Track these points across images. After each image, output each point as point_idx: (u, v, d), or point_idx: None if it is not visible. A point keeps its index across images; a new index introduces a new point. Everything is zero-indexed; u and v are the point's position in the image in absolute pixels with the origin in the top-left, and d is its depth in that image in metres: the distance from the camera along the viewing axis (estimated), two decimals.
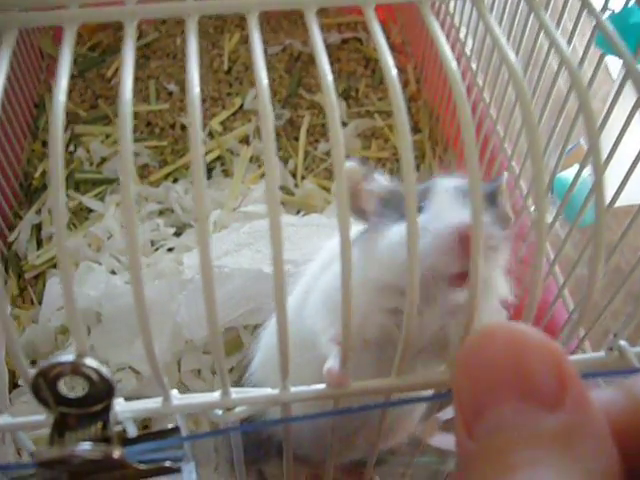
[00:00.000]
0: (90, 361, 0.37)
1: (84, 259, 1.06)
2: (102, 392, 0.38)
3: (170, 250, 1.09)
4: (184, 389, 0.94)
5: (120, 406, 0.43)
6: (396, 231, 0.52)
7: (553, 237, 0.84)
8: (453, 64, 0.40)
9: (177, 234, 1.13)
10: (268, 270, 0.88)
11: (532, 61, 0.84)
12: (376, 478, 0.73)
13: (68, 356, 0.37)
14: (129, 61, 0.41)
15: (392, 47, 1.54)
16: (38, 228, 1.19)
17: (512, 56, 0.41)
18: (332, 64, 1.31)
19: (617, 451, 0.26)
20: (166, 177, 1.28)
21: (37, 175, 1.29)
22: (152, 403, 0.43)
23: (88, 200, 1.22)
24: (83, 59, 1.52)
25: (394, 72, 0.39)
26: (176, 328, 0.92)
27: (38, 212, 1.22)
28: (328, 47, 1.39)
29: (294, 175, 1.28)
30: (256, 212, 1.09)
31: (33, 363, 0.97)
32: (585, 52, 0.71)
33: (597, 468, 0.25)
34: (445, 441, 0.58)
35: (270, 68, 1.48)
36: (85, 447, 0.35)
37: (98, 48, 1.55)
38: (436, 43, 0.41)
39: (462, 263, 0.47)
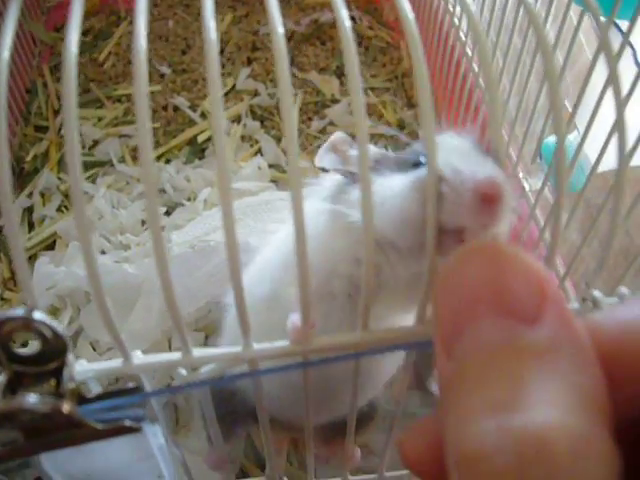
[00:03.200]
0: (40, 315, 0.36)
1: (74, 240, 1.06)
2: (56, 349, 0.38)
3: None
4: None
5: (81, 366, 0.42)
6: (387, 184, 0.49)
7: (543, 202, 0.83)
8: (410, 15, 0.39)
9: (167, 213, 1.13)
10: (255, 242, 0.87)
11: (517, 26, 0.83)
12: (357, 449, 0.72)
13: (18, 310, 0.36)
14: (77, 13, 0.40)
15: (385, 24, 1.53)
16: (30, 211, 1.19)
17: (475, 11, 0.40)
18: (325, 42, 1.30)
19: (601, 370, 0.26)
20: (158, 158, 1.27)
21: (29, 159, 1.28)
22: (113, 363, 0.43)
23: None
24: None
25: (348, 23, 0.38)
26: (164, 305, 0.91)
27: (29, 196, 1.22)
28: (321, 26, 1.38)
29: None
30: (246, 189, 1.08)
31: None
32: (567, 11, 0.70)
33: (579, 382, 0.25)
34: None
35: (263, 48, 1.48)
36: (32, 399, 0.34)
37: (90, 33, 1.55)
38: None
39: (485, 220, 0.43)
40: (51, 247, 1.12)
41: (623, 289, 0.45)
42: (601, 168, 0.69)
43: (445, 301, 0.28)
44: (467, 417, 0.25)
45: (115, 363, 0.43)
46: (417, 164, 0.50)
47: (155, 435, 0.45)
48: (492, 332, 0.26)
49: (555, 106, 0.35)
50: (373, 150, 0.55)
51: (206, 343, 0.95)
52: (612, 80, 0.41)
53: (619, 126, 0.40)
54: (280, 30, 0.37)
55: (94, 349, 0.96)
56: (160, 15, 1.57)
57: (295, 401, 0.56)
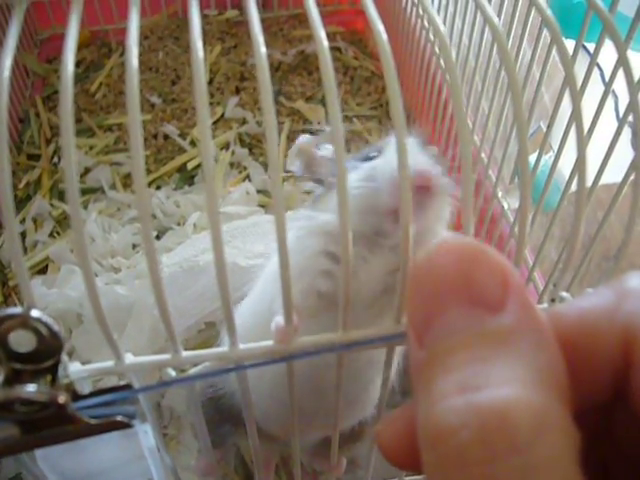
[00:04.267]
0: (37, 313, 0.38)
1: (66, 263, 1.08)
2: (52, 347, 0.40)
3: None
4: None
5: (75, 367, 0.44)
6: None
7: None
8: (380, 26, 0.42)
9: (158, 237, 1.15)
10: (243, 263, 0.89)
11: (494, 51, 0.86)
12: (342, 458, 0.74)
13: (16, 308, 0.38)
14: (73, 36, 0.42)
15: (370, 55, 1.57)
16: (22, 236, 1.21)
17: (442, 27, 0.43)
18: (311, 72, 1.34)
19: (560, 352, 0.27)
20: (149, 185, 1.30)
21: (21, 186, 1.31)
22: (106, 363, 0.45)
23: None
24: None
25: (325, 44, 0.40)
26: (155, 325, 0.93)
27: (22, 221, 1.24)
28: (308, 57, 1.42)
29: None
30: (235, 212, 1.11)
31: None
32: (539, 35, 0.73)
33: (539, 362, 0.26)
34: None
35: (251, 78, 1.51)
36: (29, 389, 0.36)
37: (82, 64, 1.58)
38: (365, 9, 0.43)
39: (417, 202, 0.50)
40: (43, 272, 1.15)
41: (590, 290, 0.48)
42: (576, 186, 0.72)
43: (416, 293, 0.30)
44: (436, 398, 0.27)
45: (107, 363, 0.45)
46: (370, 158, 0.57)
47: (146, 434, 0.47)
48: (459, 320, 0.28)
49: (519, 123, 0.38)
50: (332, 150, 0.59)
51: (197, 363, 0.97)
52: (575, 117, 0.43)
53: (579, 165, 0.42)
54: (265, 65, 0.40)
55: None
56: (150, 47, 1.60)
57: (283, 414, 0.58)
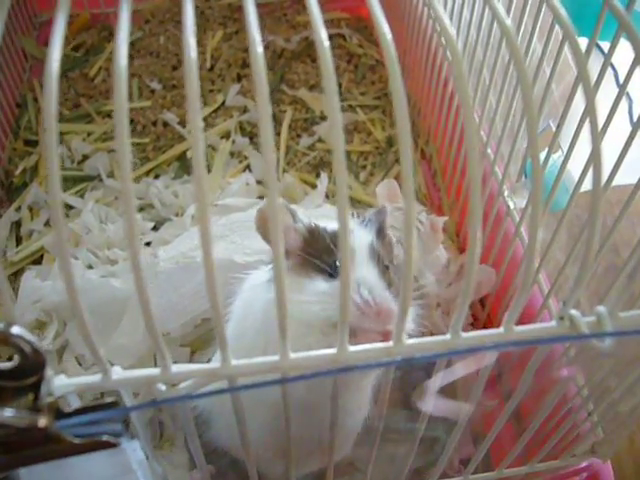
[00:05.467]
0: (18, 330, 0.36)
1: None
2: (35, 364, 0.38)
3: (148, 244, 1.09)
4: None
5: (60, 381, 0.42)
6: (311, 289, 0.60)
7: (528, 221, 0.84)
8: (382, 19, 0.40)
9: (155, 228, 1.13)
10: (240, 260, 0.87)
11: (503, 45, 0.84)
12: None
13: None
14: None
15: (375, 42, 1.54)
16: (18, 225, 1.19)
17: (451, 30, 0.41)
18: (315, 60, 1.31)
19: None
20: (147, 173, 1.28)
21: (18, 173, 1.29)
22: (92, 378, 0.43)
23: (68, 197, 1.21)
24: (67, 59, 1.52)
25: (325, 38, 0.38)
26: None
27: (18, 209, 1.22)
28: (311, 43, 1.39)
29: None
30: (234, 205, 1.08)
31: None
32: (550, 31, 0.71)
33: None
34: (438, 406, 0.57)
35: None
36: (7, 413, 0.34)
37: (82, 48, 1.56)
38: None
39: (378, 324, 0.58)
40: (38, 261, 1.13)
41: (601, 308, 0.46)
42: (586, 186, 0.70)
43: None
44: None
45: (94, 378, 0.43)
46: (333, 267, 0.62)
47: (134, 450, 0.45)
48: None
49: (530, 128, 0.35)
50: (304, 223, 0.65)
51: (192, 359, 0.95)
52: (589, 112, 0.41)
53: (595, 159, 0.40)
54: (261, 63, 0.37)
55: (80, 364, 0.95)
56: (151, 31, 1.57)
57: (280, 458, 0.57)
